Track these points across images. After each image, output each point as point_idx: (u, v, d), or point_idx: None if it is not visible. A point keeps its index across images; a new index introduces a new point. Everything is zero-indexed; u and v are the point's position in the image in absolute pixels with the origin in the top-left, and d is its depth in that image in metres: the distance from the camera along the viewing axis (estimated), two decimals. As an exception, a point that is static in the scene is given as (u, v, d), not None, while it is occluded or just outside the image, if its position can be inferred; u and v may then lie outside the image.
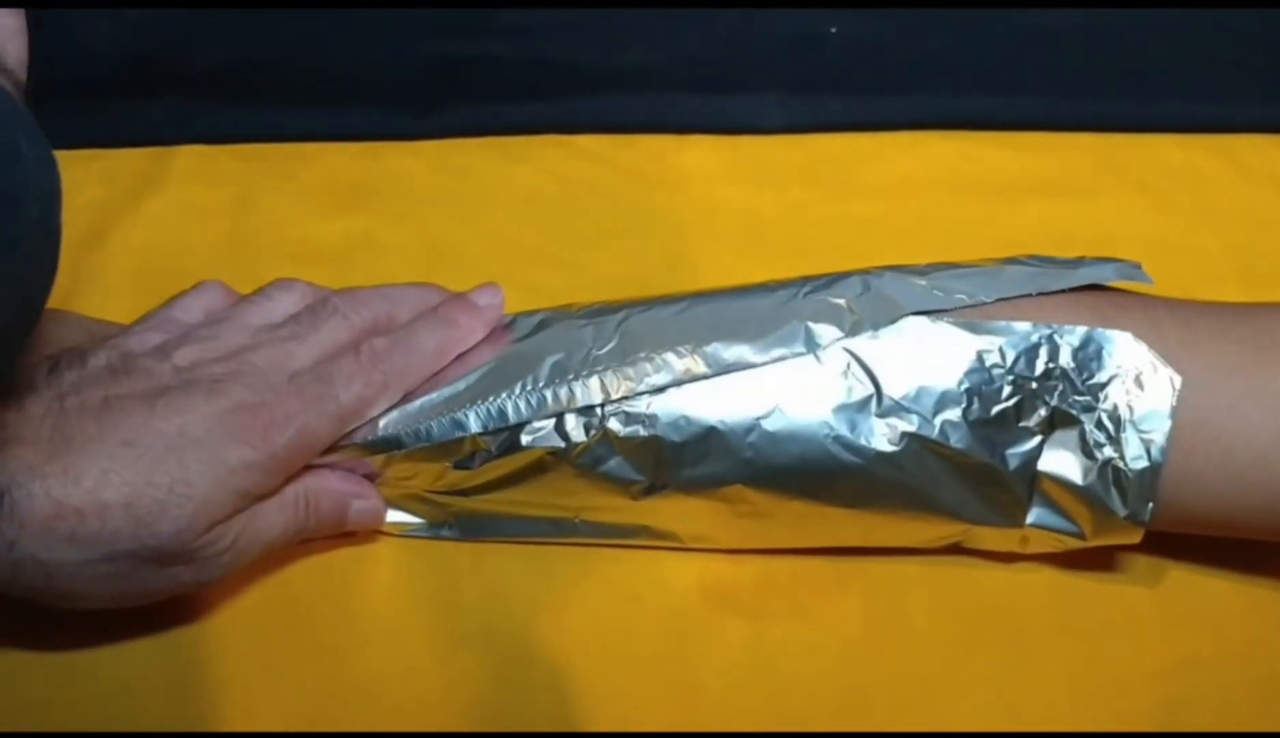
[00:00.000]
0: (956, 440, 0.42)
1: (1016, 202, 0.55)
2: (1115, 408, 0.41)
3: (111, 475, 0.38)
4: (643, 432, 0.42)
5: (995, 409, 0.42)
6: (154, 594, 0.41)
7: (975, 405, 0.42)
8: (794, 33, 0.58)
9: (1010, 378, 0.42)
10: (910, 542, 0.45)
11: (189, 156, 0.55)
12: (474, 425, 0.43)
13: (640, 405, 0.42)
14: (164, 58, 0.57)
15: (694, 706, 0.44)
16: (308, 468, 0.43)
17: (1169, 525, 0.43)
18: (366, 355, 0.43)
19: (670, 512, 0.44)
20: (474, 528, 0.46)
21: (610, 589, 0.46)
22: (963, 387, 0.42)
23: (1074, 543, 0.43)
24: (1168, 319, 0.42)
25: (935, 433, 0.42)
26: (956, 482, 0.42)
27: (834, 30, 0.59)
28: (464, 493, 0.44)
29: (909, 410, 0.42)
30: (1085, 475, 0.42)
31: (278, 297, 0.45)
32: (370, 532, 0.46)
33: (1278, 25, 0.59)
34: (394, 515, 0.46)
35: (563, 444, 0.42)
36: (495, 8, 0.59)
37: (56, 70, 0.57)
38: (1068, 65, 0.58)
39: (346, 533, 0.45)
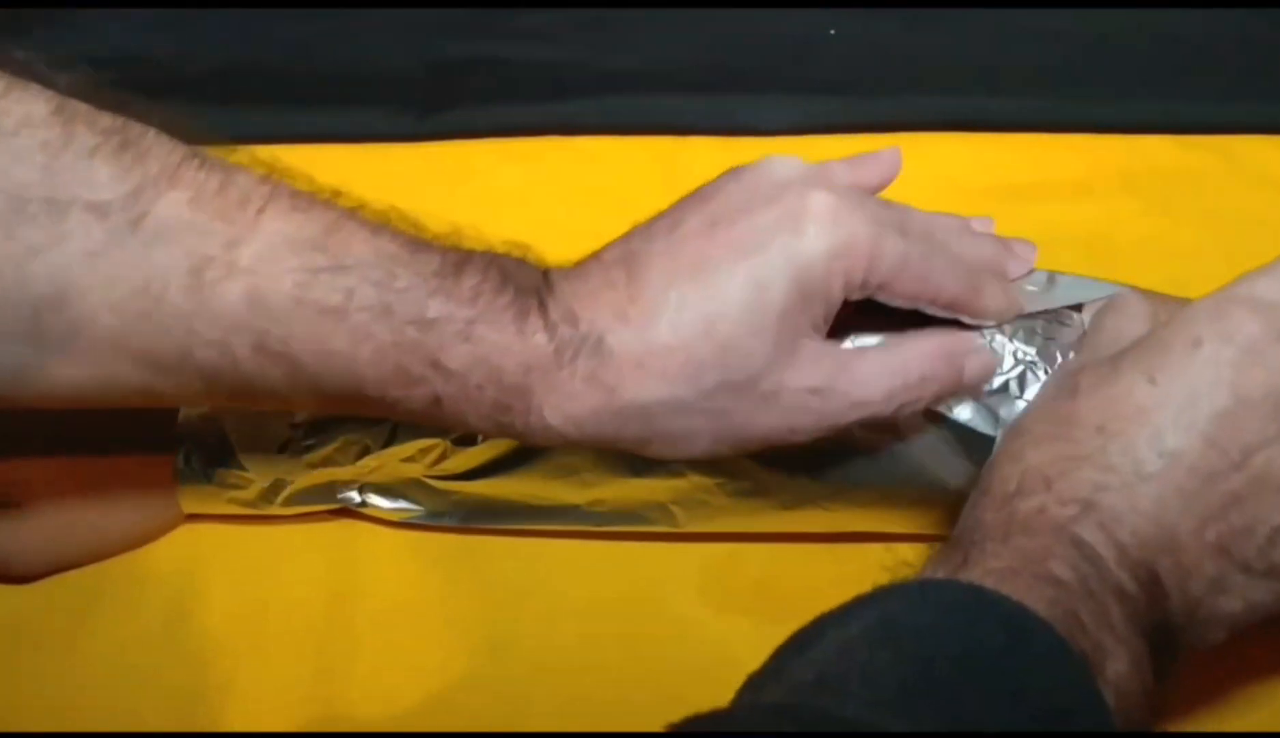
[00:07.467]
0: (959, 411, 0.42)
1: (1015, 202, 0.55)
2: None
3: (687, 304, 0.37)
4: None
5: (997, 379, 0.42)
6: (746, 443, 0.39)
7: None
8: (794, 33, 0.59)
9: (1012, 348, 0.42)
10: (912, 525, 0.45)
11: (190, 158, 0.55)
12: None
13: None
14: (165, 59, 0.58)
15: (694, 705, 0.44)
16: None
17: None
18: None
19: (671, 490, 0.44)
20: (474, 515, 0.46)
21: (610, 588, 0.46)
22: None
23: None
24: (1165, 309, 0.43)
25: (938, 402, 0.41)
26: (958, 455, 0.42)
27: (833, 32, 0.59)
28: (465, 477, 0.44)
29: None
30: None
31: None
32: (372, 526, 0.46)
33: (1276, 26, 0.59)
34: (393, 503, 0.46)
35: None
36: (496, 9, 0.59)
37: (56, 72, 0.57)
38: (1067, 65, 0.58)
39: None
